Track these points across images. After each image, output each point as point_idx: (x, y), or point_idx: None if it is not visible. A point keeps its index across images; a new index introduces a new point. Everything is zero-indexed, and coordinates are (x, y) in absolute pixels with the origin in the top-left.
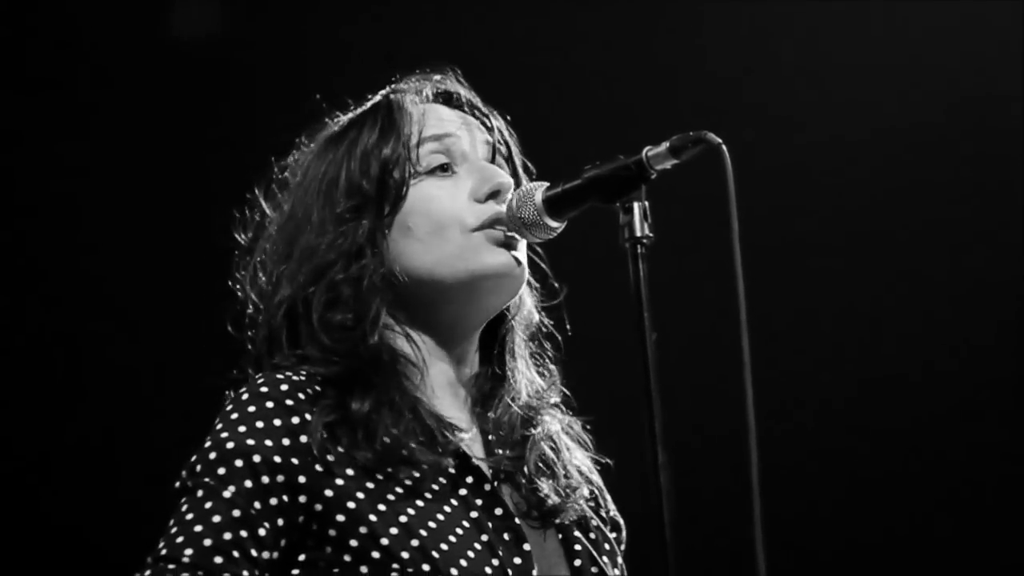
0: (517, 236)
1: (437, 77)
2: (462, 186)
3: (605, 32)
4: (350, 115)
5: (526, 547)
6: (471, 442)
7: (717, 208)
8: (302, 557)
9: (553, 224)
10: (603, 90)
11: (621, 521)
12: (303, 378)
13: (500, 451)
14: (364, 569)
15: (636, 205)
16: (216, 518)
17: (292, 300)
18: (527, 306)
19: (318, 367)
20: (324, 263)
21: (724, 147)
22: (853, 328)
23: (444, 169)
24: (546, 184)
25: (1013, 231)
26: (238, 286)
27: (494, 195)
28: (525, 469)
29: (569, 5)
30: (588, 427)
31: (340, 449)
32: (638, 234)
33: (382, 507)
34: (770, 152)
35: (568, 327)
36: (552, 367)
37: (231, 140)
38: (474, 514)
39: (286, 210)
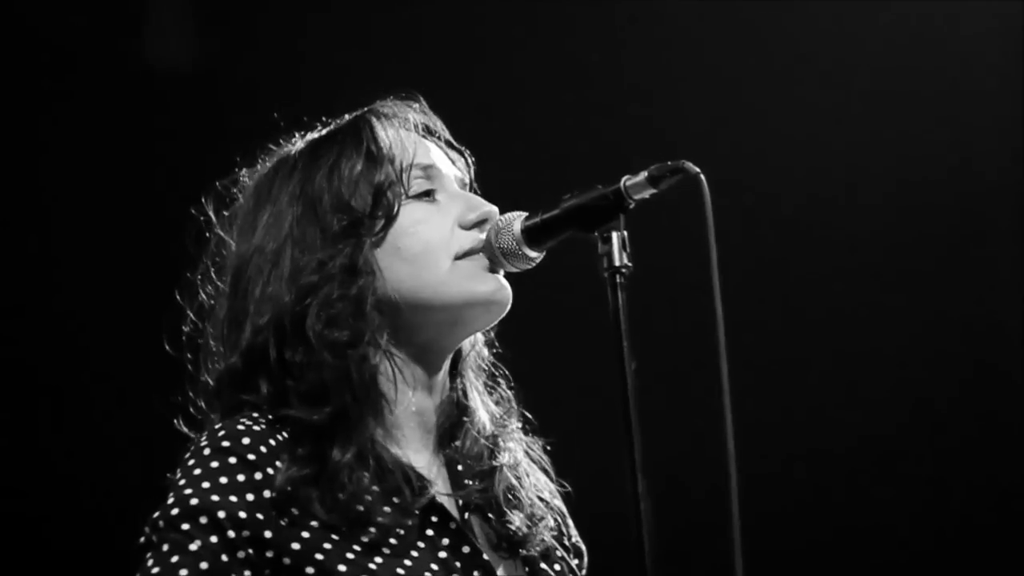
0: (496, 267)
1: (416, 106)
2: (447, 212)
3: (581, 57)
4: (316, 135)
5: None
6: (436, 477)
7: (697, 237)
8: None
9: (532, 254)
10: (581, 116)
11: (583, 547)
12: (264, 426)
13: (469, 483)
14: None
15: (615, 234)
16: (184, 572)
17: (279, 319)
18: (480, 339)
19: (302, 410)
20: (315, 281)
21: (702, 176)
22: (835, 356)
23: (428, 195)
24: (524, 214)
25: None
26: (194, 317)
27: (480, 223)
28: (494, 501)
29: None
30: (547, 448)
31: (304, 505)
32: (617, 263)
33: (350, 556)
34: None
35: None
36: (507, 392)
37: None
38: (442, 554)
39: (257, 231)
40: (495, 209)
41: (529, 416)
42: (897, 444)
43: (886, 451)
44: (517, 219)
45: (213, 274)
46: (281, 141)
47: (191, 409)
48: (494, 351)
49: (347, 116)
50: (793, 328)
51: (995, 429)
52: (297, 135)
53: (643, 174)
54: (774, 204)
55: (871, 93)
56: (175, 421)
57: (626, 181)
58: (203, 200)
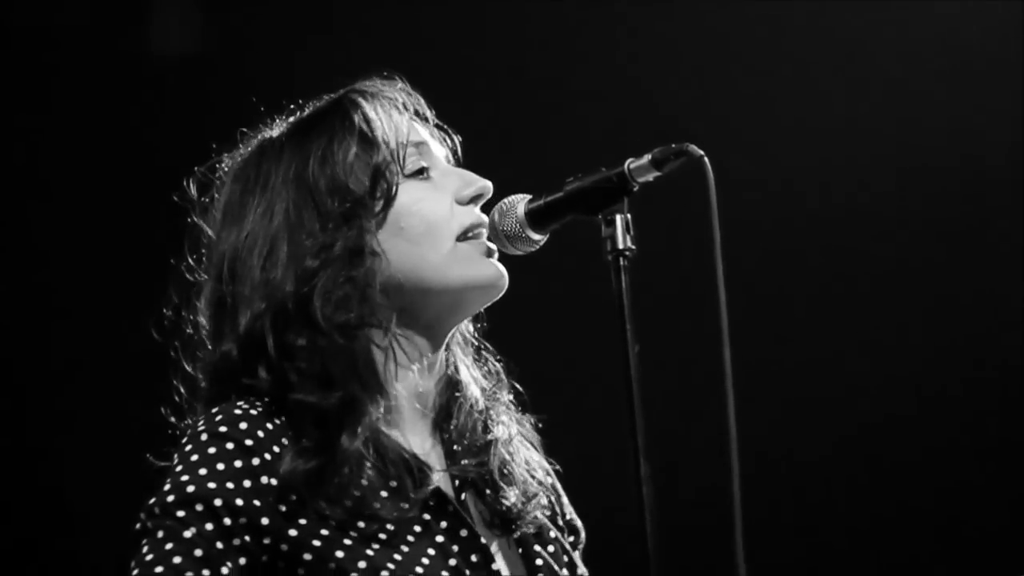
0: (496, 248)
1: (400, 86)
2: (443, 189)
3: (582, 42)
4: (297, 117)
5: (495, 567)
6: (433, 457)
7: (699, 220)
8: None
9: (536, 237)
10: (583, 100)
11: (579, 524)
12: (260, 411)
13: (465, 461)
14: None
15: (619, 217)
16: (177, 559)
17: (280, 304)
18: None
19: (312, 395)
20: (318, 265)
21: (706, 159)
22: (835, 351)
23: (421, 173)
24: (528, 196)
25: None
26: (185, 307)
27: (476, 198)
28: (488, 476)
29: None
30: (539, 425)
31: (306, 494)
32: (620, 246)
33: (347, 542)
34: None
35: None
36: (495, 365)
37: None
38: (439, 538)
39: (247, 217)
40: (489, 183)
41: (519, 388)
42: (897, 441)
43: (885, 447)
44: (520, 202)
45: (192, 260)
46: (260, 126)
47: (176, 398)
48: (480, 326)
49: (327, 97)
50: (793, 324)
51: (995, 429)
52: (277, 119)
53: (647, 156)
54: (776, 197)
55: (871, 93)
56: (161, 410)
57: (630, 163)
58: (186, 184)
